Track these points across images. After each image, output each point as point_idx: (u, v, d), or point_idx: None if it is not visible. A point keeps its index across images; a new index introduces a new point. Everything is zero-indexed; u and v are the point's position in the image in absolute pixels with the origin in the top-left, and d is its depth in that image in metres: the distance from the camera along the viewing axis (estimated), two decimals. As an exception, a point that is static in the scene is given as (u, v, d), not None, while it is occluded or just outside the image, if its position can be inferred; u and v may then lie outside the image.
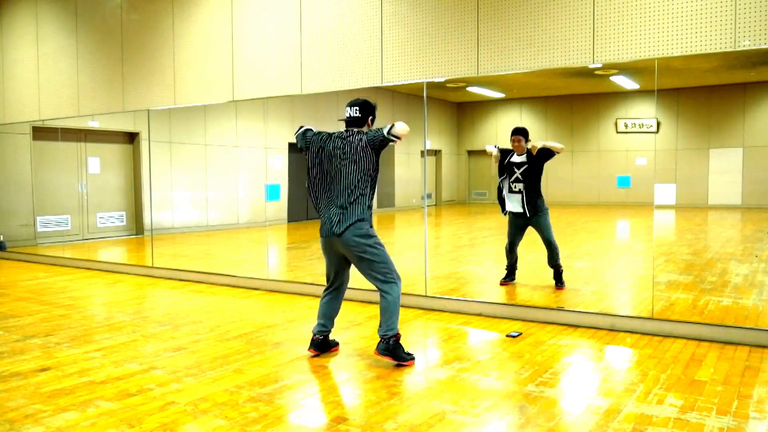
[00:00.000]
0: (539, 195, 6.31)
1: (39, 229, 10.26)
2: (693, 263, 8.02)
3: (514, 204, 6.37)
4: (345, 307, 5.95)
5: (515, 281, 6.59)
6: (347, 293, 6.33)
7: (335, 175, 4.13)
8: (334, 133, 4.24)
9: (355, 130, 4.19)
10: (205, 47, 7.63)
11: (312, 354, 4.39)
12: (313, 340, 4.40)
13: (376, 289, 4.22)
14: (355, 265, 4.23)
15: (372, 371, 4.05)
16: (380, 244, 4.16)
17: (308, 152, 4.25)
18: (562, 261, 6.39)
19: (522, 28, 5.51)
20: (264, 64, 7.11)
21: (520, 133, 6.37)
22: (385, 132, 4.09)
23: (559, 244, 6.35)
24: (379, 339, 4.18)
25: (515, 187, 6.34)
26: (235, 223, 12.68)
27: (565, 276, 6.39)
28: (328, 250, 4.26)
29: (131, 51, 8.39)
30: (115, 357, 4.42)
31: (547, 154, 6.21)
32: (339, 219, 4.09)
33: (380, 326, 4.16)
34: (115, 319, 5.64)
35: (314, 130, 4.32)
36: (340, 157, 4.11)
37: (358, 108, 4.19)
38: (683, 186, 13.99)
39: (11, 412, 3.41)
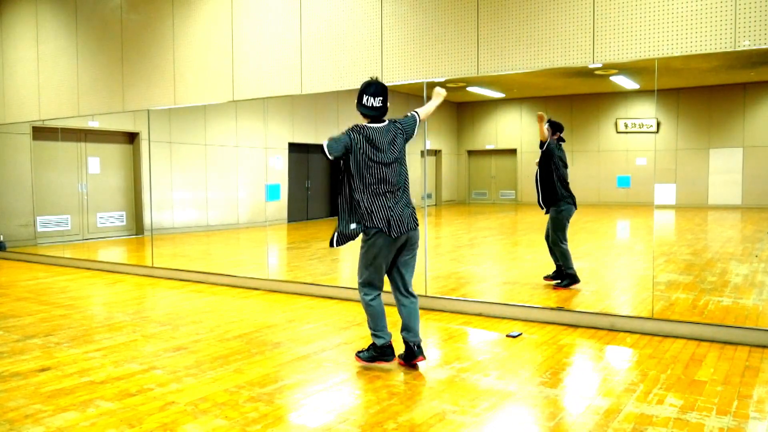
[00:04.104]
0: (552, 189, 6.17)
1: (39, 229, 10.26)
2: (693, 263, 8.01)
3: None
4: (344, 307, 5.96)
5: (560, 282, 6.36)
6: (346, 293, 6.38)
7: (389, 170, 3.95)
8: (367, 126, 3.96)
9: (387, 120, 4.03)
10: (205, 47, 7.63)
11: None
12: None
13: (404, 291, 4.10)
14: (402, 261, 4.05)
15: (372, 371, 4.05)
16: None
17: (352, 153, 3.90)
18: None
19: (522, 28, 5.51)
20: (264, 63, 7.11)
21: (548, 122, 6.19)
22: (418, 118, 4.14)
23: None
24: (414, 345, 4.08)
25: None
26: (235, 223, 12.68)
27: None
28: (391, 247, 3.96)
29: (131, 51, 8.39)
30: (115, 357, 4.42)
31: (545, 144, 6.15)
32: (411, 213, 4.02)
33: (414, 332, 4.07)
34: (115, 319, 5.64)
35: (348, 134, 3.92)
36: (390, 151, 3.95)
37: (382, 99, 3.96)
38: (683, 186, 13.98)
39: (11, 412, 3.41)
